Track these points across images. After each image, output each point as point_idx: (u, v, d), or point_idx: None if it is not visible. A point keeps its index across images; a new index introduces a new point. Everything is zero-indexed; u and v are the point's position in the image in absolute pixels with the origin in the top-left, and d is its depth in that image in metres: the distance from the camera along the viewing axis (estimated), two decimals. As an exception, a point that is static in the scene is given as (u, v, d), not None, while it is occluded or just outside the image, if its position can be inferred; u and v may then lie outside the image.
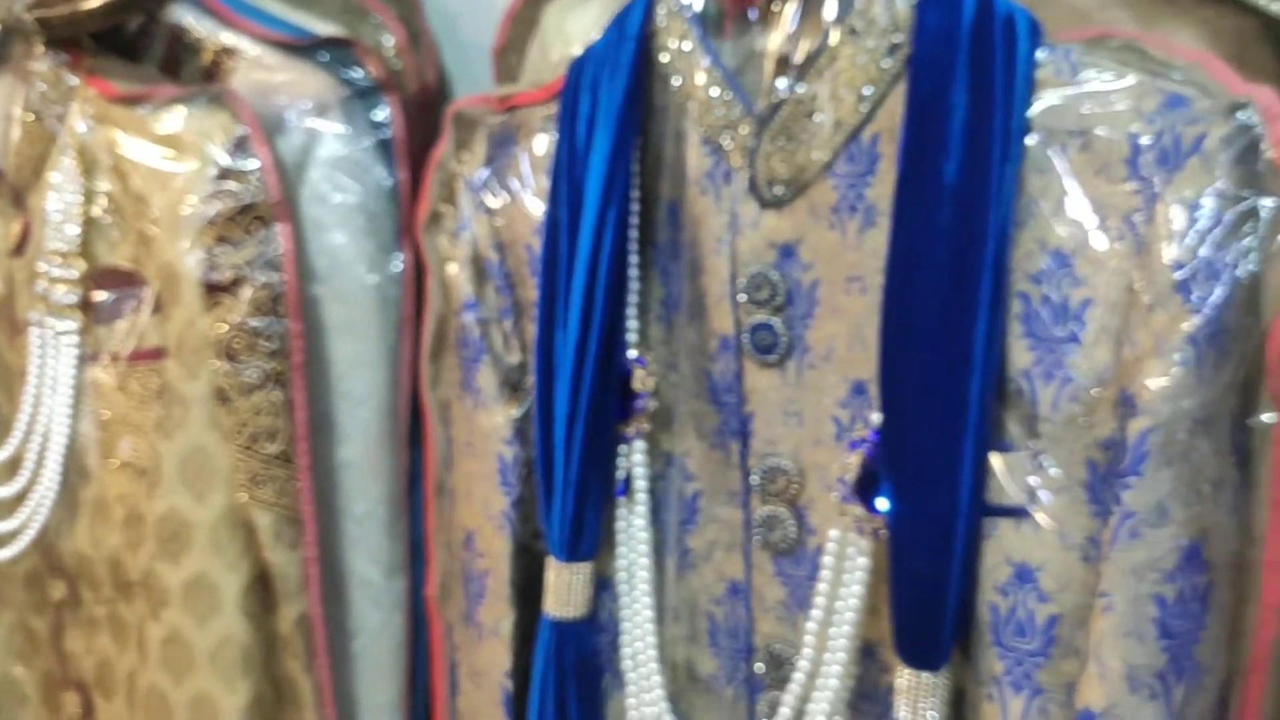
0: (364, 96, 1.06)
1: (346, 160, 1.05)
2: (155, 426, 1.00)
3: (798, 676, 0.76)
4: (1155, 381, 0.62)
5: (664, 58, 0.80)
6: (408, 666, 1.09)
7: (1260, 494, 0.64)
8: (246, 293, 0.97)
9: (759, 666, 0.82)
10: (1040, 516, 0.67)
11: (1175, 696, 0.64)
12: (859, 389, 0.75)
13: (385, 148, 1.07)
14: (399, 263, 1.06)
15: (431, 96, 1.17)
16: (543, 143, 0.86)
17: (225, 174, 0.97)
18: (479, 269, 0.90)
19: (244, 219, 0.98)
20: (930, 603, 0.68)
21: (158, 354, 1.01)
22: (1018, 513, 0.67)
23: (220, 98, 0.99)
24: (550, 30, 0.98)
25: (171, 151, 0.99)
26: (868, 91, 0.72)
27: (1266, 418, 0.63)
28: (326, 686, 1.01)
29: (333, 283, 1.05)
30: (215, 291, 0.98)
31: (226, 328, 0.97)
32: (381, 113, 1.07)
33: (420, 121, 1.11)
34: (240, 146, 0.97)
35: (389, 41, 1.11)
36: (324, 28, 1.11)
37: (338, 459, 1.07)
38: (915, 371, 0.67)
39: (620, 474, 0.84)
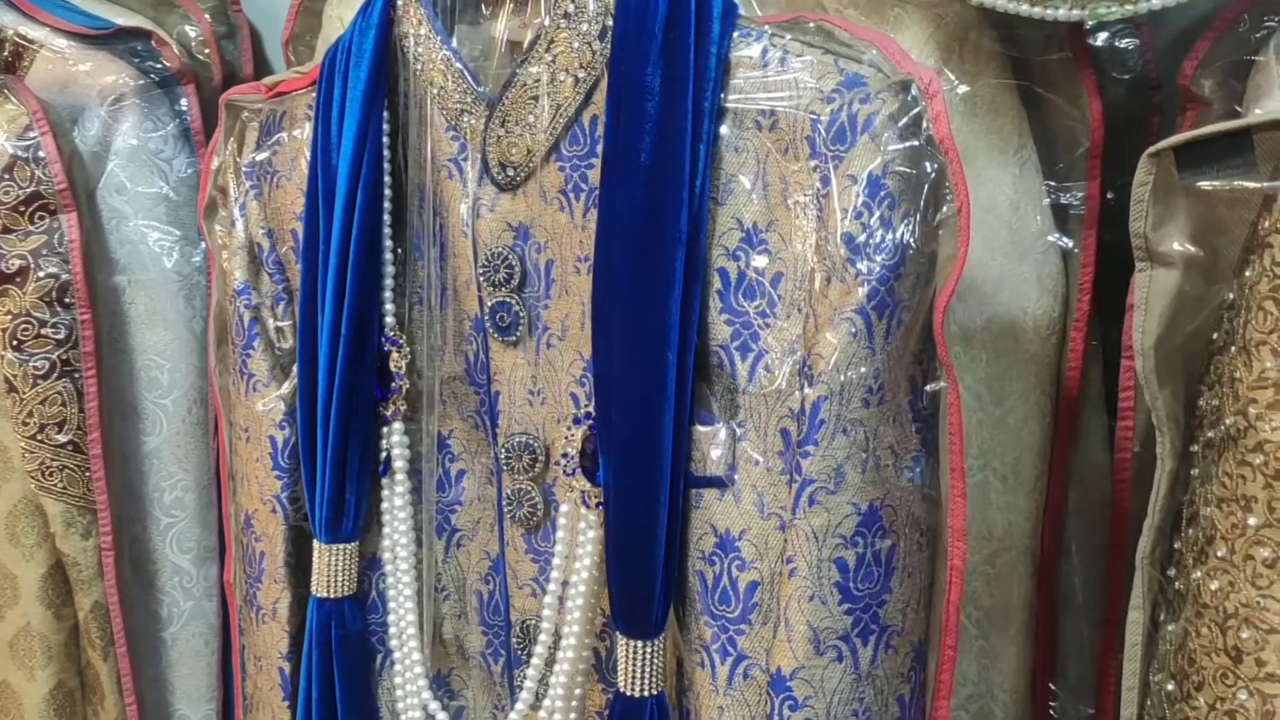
0: (164, 86, 1.07)
1: (145, 150, 1.06)
2: (-56, 418, 1.01)
3: (538, 650, 0.78)
4: (827, 351, 0.64)
5: (406, 44, 0.81)
6: (219, 653, 1.10)
7: (942, 460, 0.66)
8: (32, 283, 0.98)
9: (515, 641, 0.83)
10: (740, 486, 0.68)
11: (862, 657, 0.66)
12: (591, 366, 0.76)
13: (188, 137, 1.08)
14: (202, 252, 1.07)
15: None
16: (304, 130, 0.87)
17: (10, 164, 0.98)
18: (251, 255, 0.91)
19: (29, 209, 0.98)
20: (640, 572, 0.69)
21: (-52, 345, 1.01)
22: (720, 483, 0.69)
23: (5, 88, 0.99)
24: (332, 19, 0.99)
25: (-44, 142, 0.99)
26: (582, 75, 0.73)
27: (940, 385, 0.65)
28: (127, 674, 1.02)
29: (135, 272, 1.06)
30: (2, 281, 0.98)
31: (11, 318, 0.97)
32: (183, 102, 1.07)
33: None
34: (25, 136, 0.98)
35: (194, 33, 1.12)
36: (131, 19, 1.11)
37: (145, 448, 1.08)
38: (617, 346, 0.69)
39: (382, 455, 0.86)
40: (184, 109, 1.06)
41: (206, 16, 1.14)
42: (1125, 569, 0.78)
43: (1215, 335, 0.68)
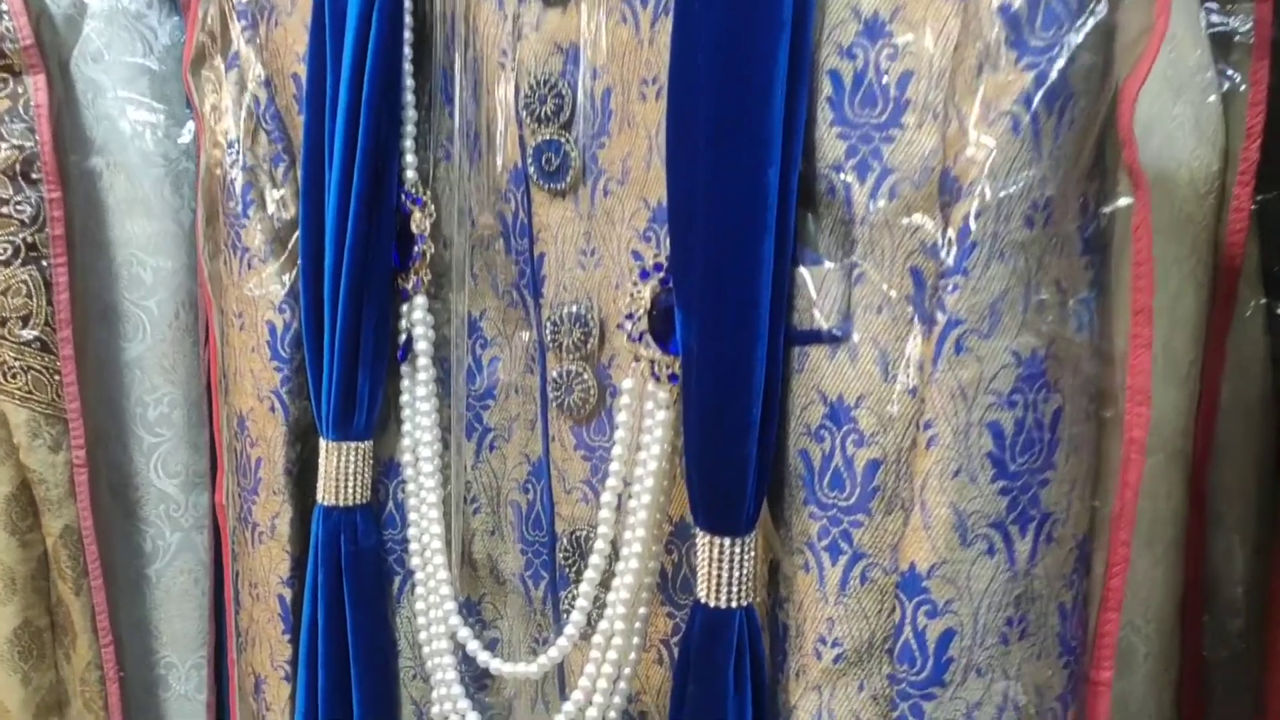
0: (147, -65, 0.93)
1: (125, 13, 0.92)
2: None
3: (594, 562, 0.64)
4: (980, 156, 0.49)
5: None
6: (211, 592, 0.96)
7: (1118, 302, 0.52)
8: (-7, 153, 0.84)
9: (562, 557, 0.69)
10: (857, 341, 0.54)
11: (1019, 551, 0.52)
12: (661, 214, 0.62)
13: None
14: (191, 132, 0.93)
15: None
16: (310, -47, 0.73)
17: (-33, 16, 0.84)
18: (247, 111, 0.77)
19: (-11, 68, 0.84)
20: (728, 452, 0.55)
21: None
22: (830, 338, 0.55)
23: (-38, -71, 0.85)
24: None
25: (-95, -9, 0.85)
26: None
27: (1123, 202, 0.50)
28: (102, 609, 0.88)
29: (113, 154, 0.92)
30: (-43, 153, 0.84)
31: (-32, 193, 0.83)
32: (169, -43, 0.93)
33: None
34: (-16, -16, 0.84)
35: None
36: None
37: (126, 356, 0.93)
38: (702, 170, 0.55)
39: (401, 337, 0.72)
40: (171, -37, 0.92)
41: None
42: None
43: None
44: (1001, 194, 0.49)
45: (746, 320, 0.54)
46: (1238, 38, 0.68)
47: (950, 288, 0.50)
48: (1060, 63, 0.49)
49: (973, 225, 0.49)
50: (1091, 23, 0.49)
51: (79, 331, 0.87)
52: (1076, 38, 0.49)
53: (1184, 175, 0.69)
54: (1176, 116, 0.69)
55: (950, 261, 0.50)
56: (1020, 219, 0.50)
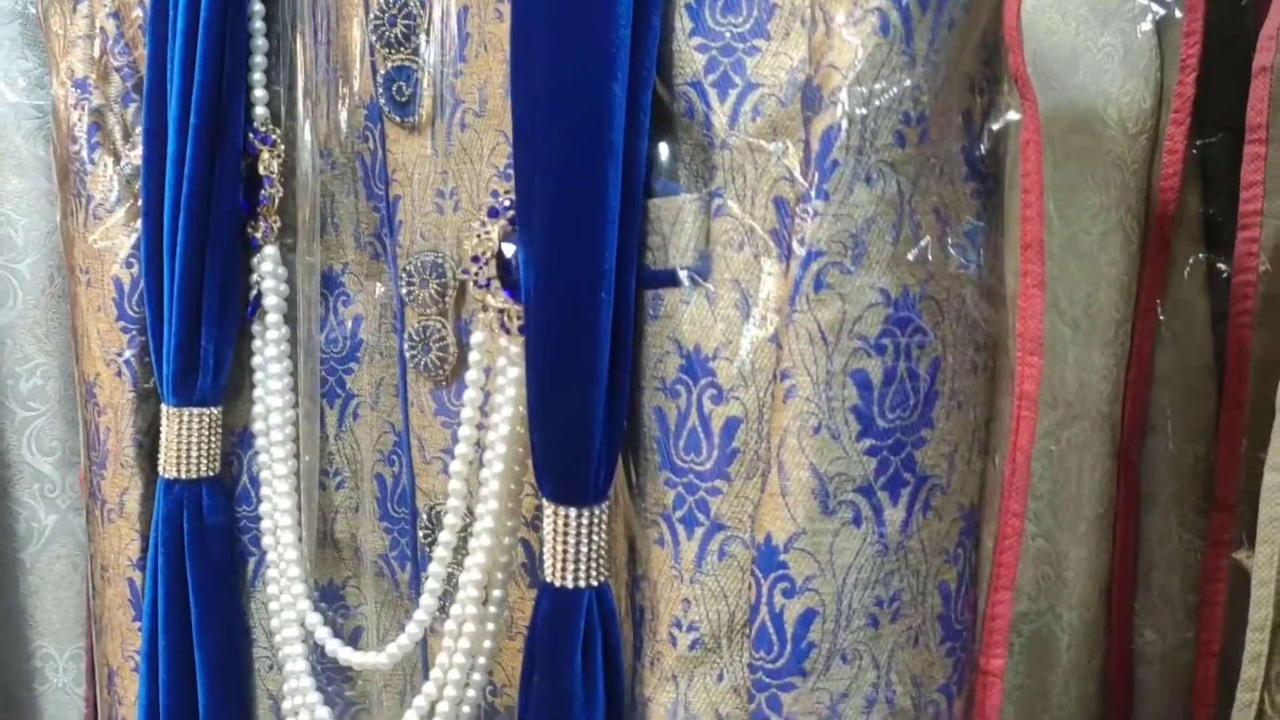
0: None
1: (-12, -54, 0.85)
2: None
3: (444, 538, 0.57)
4: (843, 61, 0.43)
5: None
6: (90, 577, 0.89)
7: (1009, 236, 0.45)
8: None
9: (422, 535, 0.62)
10: (716, 283, 0.47)
11: (889, 520, 0.45)
12: (520, 148, 0.55)
13: (47, -62, 0.87)
14: (66, 80, 0.86)
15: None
16: None
17: None
18: (97, 45, 0.70)
19: None
20: (572, 409, 0.48)
21: None
22: (688, 279, 0.48)
23: None
24: None
25: None
26: None
27: (1011, 116, 0.44)
28: (-36, 598, 0.82)
29: (-24, 102, 0.85)
30: None
31: None
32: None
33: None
34: None
35: None
36: None
37: (-6, 324, 0.87)
38: (541, 85, 0.48)
39: (252, 292, 0.65)
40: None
41: None
42: (1248, 431, 0.58)
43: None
44: (868, 105, 0.42)
45: (590, 258, 0.47)
46: (1171, -39, 0.62)
47: (810, 214, 0.43)
48: (935, -48, 0.42)
49: (834, 141, 0.43)
50: (970, -94, 0.43)
51: (-65, 295, 0.80)
52: (954, -76, 0.42)
53: (1112, 113, 0.62)
54: (1104, 46, 0.62)
55: (809, 184, 0.43)
56: (890, 134, 0.43)
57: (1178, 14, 0.62)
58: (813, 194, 0.43)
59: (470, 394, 0.55)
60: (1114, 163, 0.63)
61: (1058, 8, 0.61)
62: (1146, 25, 0.62)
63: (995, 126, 0.45)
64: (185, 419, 0.64)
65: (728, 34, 0.47)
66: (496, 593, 0.57)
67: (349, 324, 0.66)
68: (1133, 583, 0.64)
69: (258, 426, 0.66)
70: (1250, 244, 0.57)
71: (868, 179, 0.43)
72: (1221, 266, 0.65)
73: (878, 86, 0.42)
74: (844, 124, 0.42)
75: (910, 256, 0.44)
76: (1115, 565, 0.64)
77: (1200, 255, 0.66)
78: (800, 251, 0.43)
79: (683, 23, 0.48)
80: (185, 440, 0.65)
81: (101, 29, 0.69)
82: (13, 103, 0.85)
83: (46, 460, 0.89)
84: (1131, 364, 0.64)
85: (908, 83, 0.42)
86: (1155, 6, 0.62)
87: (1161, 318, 0.65)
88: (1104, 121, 0.62)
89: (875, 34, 0.42)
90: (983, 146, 0.45)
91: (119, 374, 0.69)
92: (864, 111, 0.42)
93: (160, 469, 0.65)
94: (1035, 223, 0.43)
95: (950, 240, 0.45)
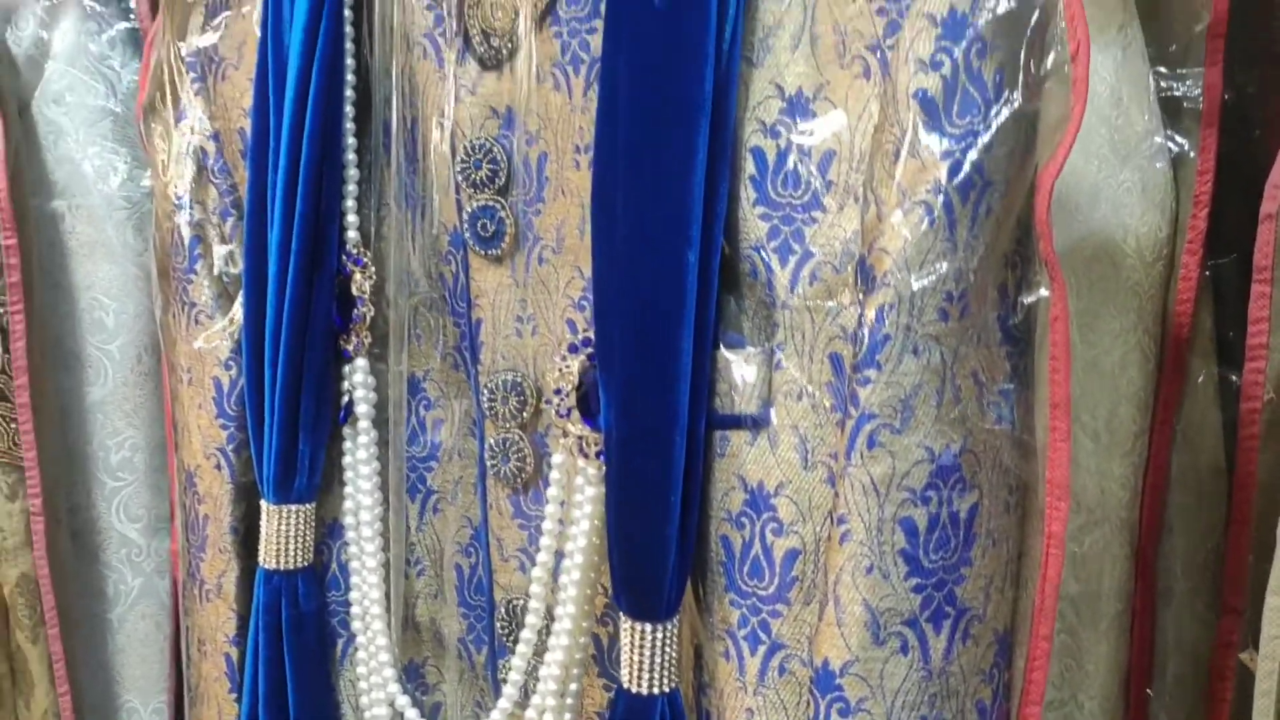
0: (111, -21, 0.93)
1: (87, 54, 0.91)
2: None
3: (525, 636, 0.63)
4: (894, 246, 0.48)
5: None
6: (173, 636, 0.96)
7: (1039, 394, 0.51)
8: (-51, 201, 0.84)
9: (500, 626, 0.69)
10: (777, 427, 0.53)
11: (933, 649, 0.51)
12: (595, 284, 0.61)
13: (138, 41, 0.94)
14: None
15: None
16: (255, 9, 0.73)
17: (-77, 62, 0.84)
18: (196, 163, 0.76)
19: (-55, 115, 0.84)
20: (649, 537, 0.54)
21: None
22: (751, 423, 0.54)
23: (-81, -23, 0.85)
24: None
25: None
26: (584, -89, 0.58)
27: (1043, 293, 0.50)
28: (59, 659, 0.88)
29: (75, 197, 0.91)
30: (-85, 200, 0.84)
31: (-76, 241, 0.83)
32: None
33: None
34: (-58, 33, 0.84)
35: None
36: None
37: (88, 400, 0.93)
38: (621, 247, 0.54)
39: (343, 399, 0.71)
40: (133, 7, 0.92)
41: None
42: (1254, 547, 0.63)
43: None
44: (915, 286, 0.48)
45: (665, 403, 0.53)
46: (1186, 104, 0.67)
47: (863, 380, 0.49)
48: (975, 153, 0.48)
49: (885, 318, 0.49)
50: (1006, 112, 0.48)
51: (36, 378, 0.87)
52: (993, 126, 0.48)
53: (1131, 243, 0.67)
54: (1124, 182, 0.67)
55: (863, 354, 0.49)
56: (934, 311, 0.49)
57: (1191, 154, 0.67)
58: (866, 363, 0.49)
59: (551, 508, 0.61)
60: (1132, 289, 0.68)
61: (1080, 149, 0.66)
62: (1162, 163, 0.68)
63: (1027, 300, 0.51)
64: (284, 515, 0.71)
65: (788, 205, 0.53)
66: (573, 686, 0.63)
67: (430, 426, 0.72)
68: (1149, 675, 0.70)
69: (348, 520, 0.72)
70: (1257, 374, 0.62)
71: (915, 351, 0.49)
72: (1234, 379, 0.71)
73: (924, 270, 0.48)
74: (895, 303, 0.48)
75: (951, 416, 0.49)
76: (1134, 659, 0.69)
77: (1213, 369, 0.71)
78: (855, 413, 0.49)
79: (747, 193, 0.54)
80: (283, 535, 0.71)
81: (203, 149, 0.76)
82: (106, 194, 0.92)
83: (133, 526, 0.95)
84: (1149, 471, 0.70)
85: (950, 266, 0.48)
86: (1171, 145, 0.68)
87: (1178, 427, 0.71)
88: (1123, 251, 0.68)
89: (922, 223, 0.48)
90: (1016, 316, 0.51)
91: (218, 467, 0.75)
92: (912, 292, 0.48)
93: (260, 559, 0.72)
94: (1063, 385, 0.49)
95: (987, 400, 0.50)
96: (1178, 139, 0.68)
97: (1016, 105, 0.48)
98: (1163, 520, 0.71)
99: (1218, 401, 0.71)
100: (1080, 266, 0.67)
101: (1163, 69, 0.67)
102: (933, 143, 0.48)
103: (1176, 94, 0.67)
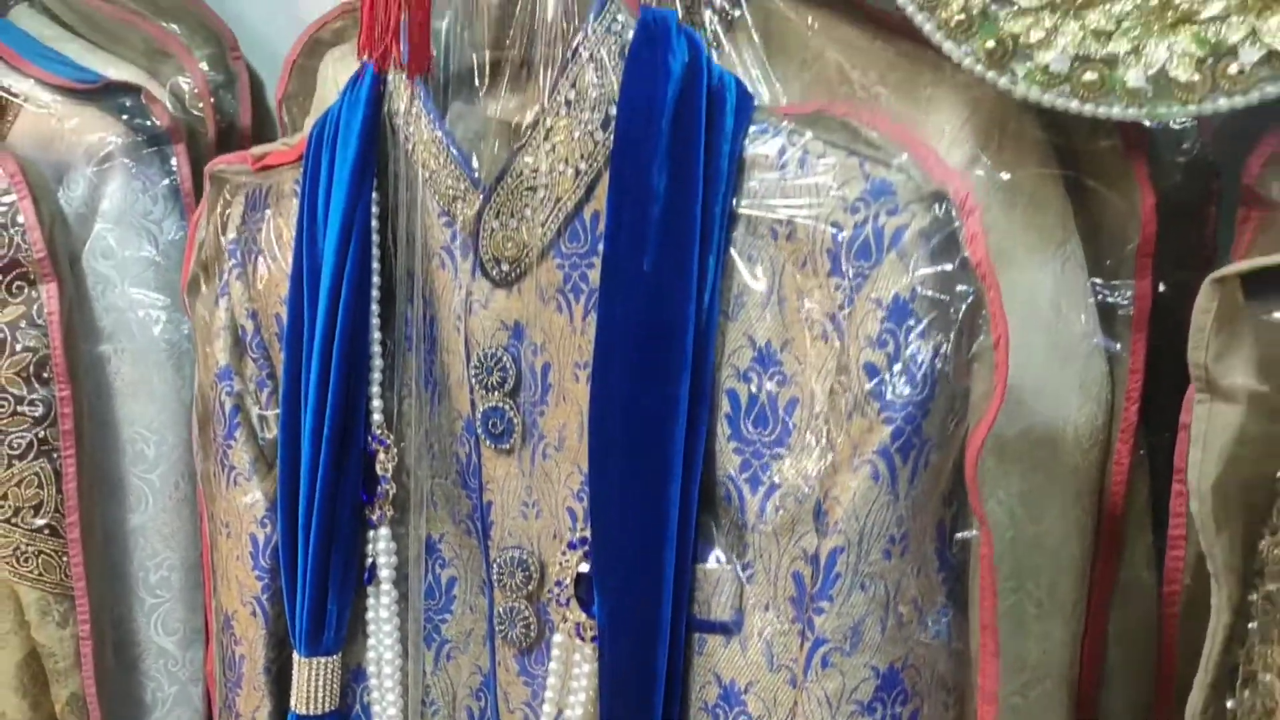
0: (154, 144, 1.01)
1: (134, 212, 1.00)
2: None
3: (528, 789, 0.72)
4: (844, 497, 0.57)
5: (397, 122, 0.75)
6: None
7: (971, 615, 0.59)
8: (8, 357, 0.92)
9: (506, 769, 0.77)
10: (748, 634, 0.62)
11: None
12: (591, 481, 0.70)
13: (178, 197, 1.02)
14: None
15: (244, 138, 1.13)
16: (291, 208, 0.81)
17: (-12, 231, 0.92)
18: (235, 338, 0.85)
19: (6, 278, 0.93)
20: (636, 716, 0.63)
21: (-76, 419, 0.96)
22: (726, 628, 0.62)
23: (-17, 150, 0.94)
24: (326, 80, 0.93)
25: (-67, 206, 0.94)
26: (584, 167, 0.67)
27: (971, 534, 0.58)
28: (105, 768, 0.97)
29: (121, 341, 1.01)
30: (-22, 355, 0.93)
31: (-14, 394, 0.92)
32: (174, 162, 1.02)
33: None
34: (2, 200, 0.92)
35: (188, 85, 1.06)
36: (122, 71, 1.06)
37: (129, 525, 1.02)
38: (614, 476, 0.63)
39: (368, 560, 0.80)
40: (174, 168, 1.01)
41: (203, 66, 1.08)
42: (1175, 705, 0.71)
43: (1281, 473, 0.61)
44: (862, 533, 0.57)
45: (650, 609, 0.62)
46: (1120, 311, 0.75)
47: (818, 610, 0.58)
48: (914, 418, 0.57)
49: (836, 559, 0.57)
50: (941, 384, 0.57)
51: (86, 511, 0.95)
52: (929, 396, 0.57)
53: (1070, 432, 0.75)
54: (1065, 379, 0.76)
55: (818, 588, 0.58)
56: (879, 552, 0.57)
57: (1125, 355, 0.76)
58: (819, 596, 0.57)
59: (553, 680, 0.70)
60: (1072, 471, 0.76)
61: (1023, 350, 0.74)
62: (1099, 360, 0.76)
63: (960, 536, 0.59)
64: (313, 666, 0.79)
65: (757, 441, 0.62)
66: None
67: (445, 583, 0.80)
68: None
69: (370, 669, 0.80)
70: (1176, 561, 0.70)
71: (862, 586, 0.57)
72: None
73: (869, 519, 0.57)
74: (844, 546, 0.57)
75: (894, 637, 0.58)
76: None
77: (1149, 537, 0.80)
78: (811, 636, 0.58)
79: (723, 429, 0.63)
80: (313, 684, 0.79)
81: (242, 326, 0.84)
82: (149, 339, 1.01)
83: (170, 639, 1.04)
84: (1087, 633, 0.78)
85: (893, 514, 0.57)
86: (1106, 346, 0.76)
87: (1116, 591, 0.79)
88: (1064, 438, 0.76)
89: (868, 480, 0.57)
90: (952, 549, 0.59)
91: (254, 614, 0.84)
92: (858, 537, 0.57)
93: (292, 704, 0.80)
94: (990, 611, 0.57)
95: (926, 619, 0.59)
96: (1112, 341, 0.76)
97: (949, 380, 0.57)
98: (1102, 674, 0.79)
99: (1151, 566, 0.79)
100: (1025, 452, 0.75)
101: (1099, 280, 0.75)
102: (878, 408, 0.57)
103: (1111, 301, 0.75)
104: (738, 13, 0.74)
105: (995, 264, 0.72)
